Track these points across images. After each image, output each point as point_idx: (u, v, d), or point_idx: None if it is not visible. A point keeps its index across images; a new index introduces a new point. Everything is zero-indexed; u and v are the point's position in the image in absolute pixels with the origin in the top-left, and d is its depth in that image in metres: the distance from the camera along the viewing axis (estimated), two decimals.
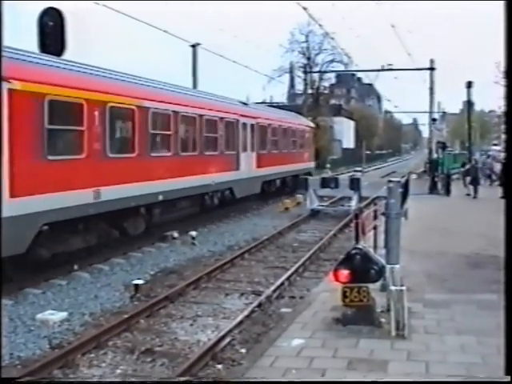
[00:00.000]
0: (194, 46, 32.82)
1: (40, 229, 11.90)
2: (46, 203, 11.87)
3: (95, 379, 7.79)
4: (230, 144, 22.38)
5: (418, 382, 5.85)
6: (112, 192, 14.11)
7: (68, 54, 14.21)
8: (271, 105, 52.28)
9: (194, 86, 31.39)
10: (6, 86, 10.60)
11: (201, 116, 19.73)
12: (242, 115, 24.00)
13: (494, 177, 36.45)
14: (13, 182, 10.89)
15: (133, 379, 7.76)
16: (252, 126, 25.06)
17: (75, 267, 13.48)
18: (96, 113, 13.57)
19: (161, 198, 16.56)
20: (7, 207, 10.39)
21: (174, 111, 17.61)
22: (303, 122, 36.90)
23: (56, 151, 12.39)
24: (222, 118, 21.56)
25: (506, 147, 4.50)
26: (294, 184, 30.41)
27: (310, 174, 32.86)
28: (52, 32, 14.20)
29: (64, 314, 10.26)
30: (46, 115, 11.94)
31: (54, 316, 10.10)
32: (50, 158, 12.12)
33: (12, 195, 10.88)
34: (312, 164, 36.77)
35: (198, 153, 19.50)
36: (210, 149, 20.52)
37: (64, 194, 12.45)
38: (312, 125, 39.11)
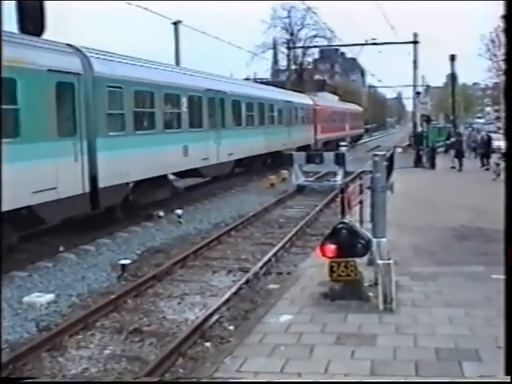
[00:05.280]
0: (175, 24, 32.49)
1: (322, 144, 42.59)
2: (324, 137, 43.68)
3: (83, 360, 7.75)
4: (344, 122, 53.93)
5: (418, 382, 5.84)
6: (330, 135, 46.31)
7: (48, 34, 14.01)
8: (255, 81, 52.06)
9: (177, 63, 31.10)
10: (317, 107, 43.61)
11: (343, 112, 55.09)
12: (346, 108, 57.34)
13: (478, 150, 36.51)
14: (321, 131, 42.64)
15: (122, 359, 7.74)
16: (347, 113, 56.64)
17: (61, 249, 13.38)
18: (341, 114, 53.94)
19: (336, 138, 46.50)
20: (319, 137, 42.39)
21: (340, 112, 53.43)
22: (357, 107, 68.03)
23: (327, 124, 46.08)
24: (343, 111, 54.68)
25: (506, 137, 4.40)
26: (356, 140, 63.31)
27: (361, 136, 69.44)
28: (31, 13, 13.93)
29: (51, 296, 10.18)
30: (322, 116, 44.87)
31: (41, 298, 10.01)
32: (332, 124, 48.26)
33: (321, 133, 42.56)
34: (362, 130, 71.37)
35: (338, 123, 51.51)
36: (341, 123, 52.12)
37: (325, 134, 44.05)
38: (360, 108, 70.43)
